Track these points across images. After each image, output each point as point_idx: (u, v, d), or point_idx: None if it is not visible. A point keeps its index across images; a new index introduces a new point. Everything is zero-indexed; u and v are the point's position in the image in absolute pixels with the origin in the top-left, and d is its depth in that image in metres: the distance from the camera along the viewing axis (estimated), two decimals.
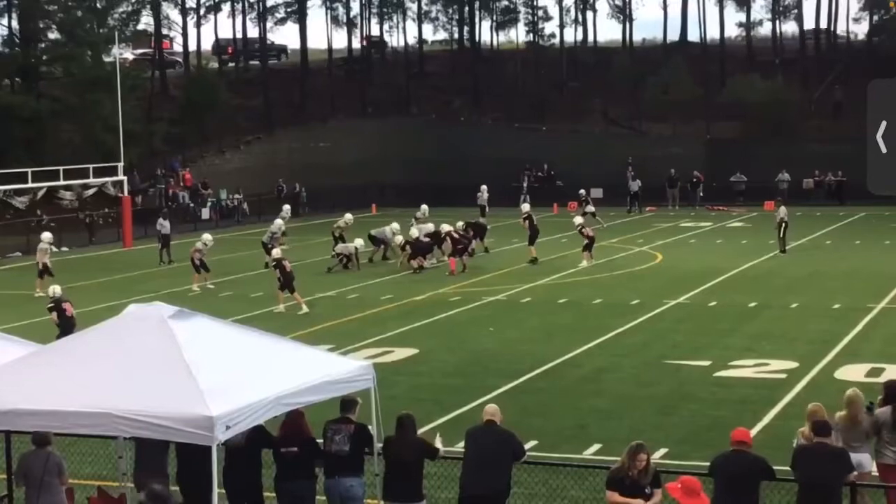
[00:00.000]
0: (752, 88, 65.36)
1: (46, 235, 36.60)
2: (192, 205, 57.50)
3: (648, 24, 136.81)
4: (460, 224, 38.30)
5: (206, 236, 36.12)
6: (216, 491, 10.17)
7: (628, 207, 57.83)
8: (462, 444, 12.56)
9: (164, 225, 41.55)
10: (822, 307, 28.36)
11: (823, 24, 75.87)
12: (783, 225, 38.87)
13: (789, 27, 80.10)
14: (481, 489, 11.79)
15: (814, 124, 64.85)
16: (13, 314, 29.59)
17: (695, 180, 60.18)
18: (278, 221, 39.69)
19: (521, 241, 39.40)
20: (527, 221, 38.39)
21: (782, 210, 39.57)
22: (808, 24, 76.51)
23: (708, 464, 11.66)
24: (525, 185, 62.21)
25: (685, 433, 17.33)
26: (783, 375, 20.93)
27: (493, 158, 63.65)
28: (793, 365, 21.66)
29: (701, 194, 60.01)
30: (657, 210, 57.90)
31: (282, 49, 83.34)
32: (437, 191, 54.12)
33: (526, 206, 41.84)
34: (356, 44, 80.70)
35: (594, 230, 38.99)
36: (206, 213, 57.04)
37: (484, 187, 53.12)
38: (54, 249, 36.94)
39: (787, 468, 11.65)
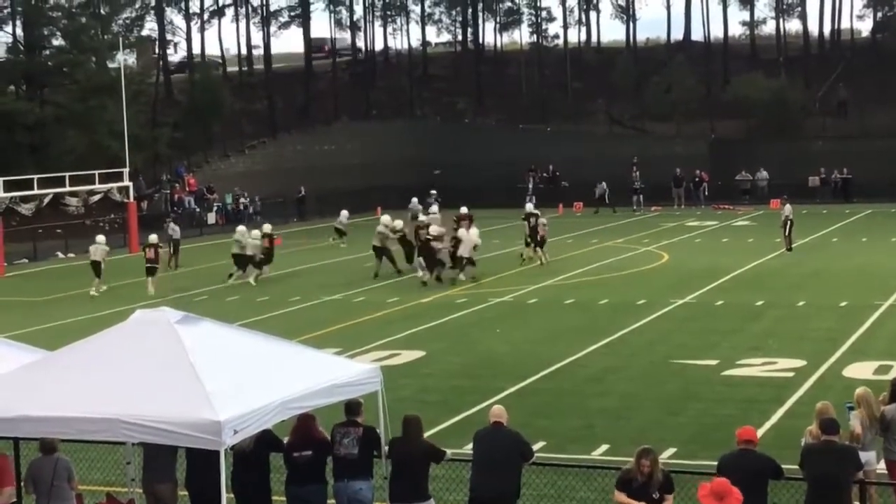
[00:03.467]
0: (756, 87, 65.34)
1: (101, 238, 37.94)
2: (197, 210, 57.55)
3: (652, 24, 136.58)
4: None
5: (241, 228, 37.36)
6: (225, 496, 10.18)
7: (633, 207, 57.85)
8: (470, 445, 12.54)
9: (175, 230, 41.66)
10: (829, 305, 28.32)
11: (827, 22, 75.96)
12: (788, 223, 38.84)
13: (793, 25, 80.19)
14: (491, 492, 11.76)
15: (818, 122, 64.81)
16: (21, 320, 29.62)
17: (697, 180, 60.19)
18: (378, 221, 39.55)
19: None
20: (527, 221, 37.67)
21: (787, 208, 39.55)
22: (812, 21, 76.59)
23: (715, 463, 11.63)
24: (530, 185, 62.24)
25: (693, 433, 17.31)
26: (791, 374, 20.90)
27: (498, 160, 63.74)
28: (800, 363, 21.62)
29: (706, 193, 60.01)
30: (662, 210, 57.87)
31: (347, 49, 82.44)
32: (440, 193, 54.12)
33: (529, 206, 40.97)
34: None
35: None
36: (212, 218, 57.07)
37: (415, 199, 49.67)
38: (105, 248, 37.87)
39: (796, 467, 11.62)
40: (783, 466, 11.48)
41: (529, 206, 40.88)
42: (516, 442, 12.03)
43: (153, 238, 35.66)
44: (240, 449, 11.79)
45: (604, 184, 58.97)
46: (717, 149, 63.95)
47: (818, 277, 33.48)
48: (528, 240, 37.64)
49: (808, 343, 23.65)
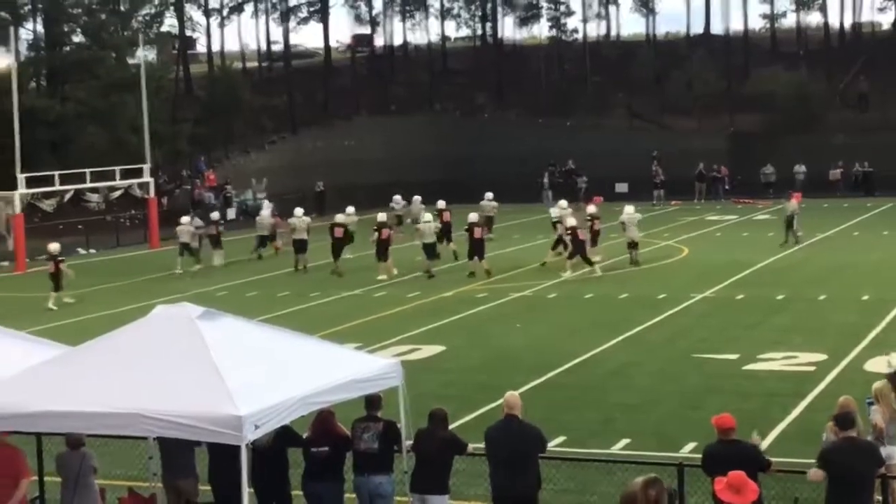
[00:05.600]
0: (777, 81, 65.11)
1: (186, 218, 39.79)
2: (217, 205, 57.59)
3: (671, 18, 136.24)
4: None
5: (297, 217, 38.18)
6: (246, 490, 10.21)
7: (653, 201, 57.69)
8: None
9: (200, 225, 41.83)
10: (850, 299, 28.21)
11: (848, 15, 75.64)
12: (792, 218, 38.80)
13: (813, 18, 79.77)
14: (513, 490, 11.66)
15: (839, 116, 64.51)
16: (42, 316, 29.78)
17: (718, 175, 59.92)
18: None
19: (547, 236, 39.12)
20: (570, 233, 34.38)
21: (792, 204, 39.41)
22: (833, 14, 76.37)
23: None
24: (546, 181, 61.98)
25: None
26: (812, 368, 20.84)
27: (517, 154, 63.64)
28: (821, 357, 21.55)
29: (726, 187, 59.79)
30: (682, 204, 57.71)
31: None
32: (460, 187, 54.11)
33: (554, 211, 38.70)
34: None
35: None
36: (232, 213, 57.18)
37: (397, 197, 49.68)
38: (192, 230, 39.23)
39: (814, 461, 11.53)
40: (805, 460, 11.40)
41: (555, 211, 38.77)
42: (531, 436, 11.86)
43: (53, 248, 33.09)
44: (259, 445, 11.82)
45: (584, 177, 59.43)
46: (738, 143, 63.74)
47: (839, 271, 33.34)
48: (558, 244, 36.25)
49: (829, 337, 23.56)
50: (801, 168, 59.91)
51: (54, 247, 33.15)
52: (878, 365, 20.50)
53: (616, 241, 38.12)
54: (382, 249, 35.11)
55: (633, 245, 35.62)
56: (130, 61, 60.34)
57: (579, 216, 36.28)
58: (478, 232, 34.62)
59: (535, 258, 37.33)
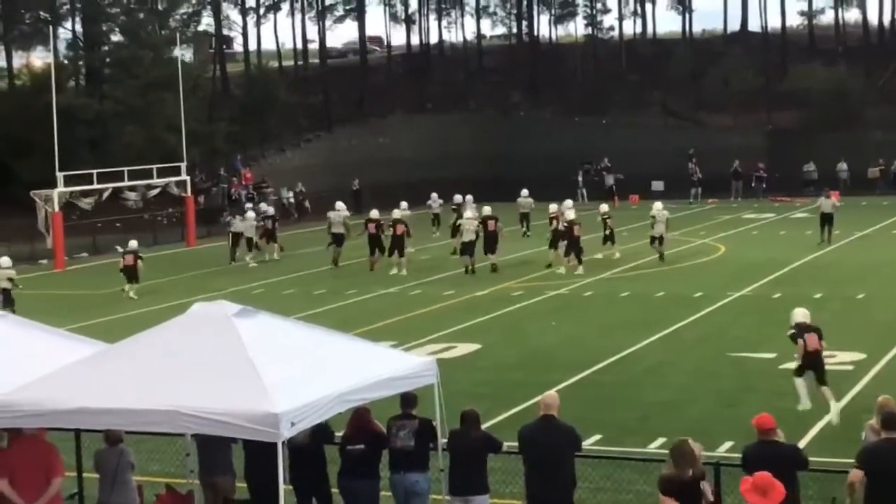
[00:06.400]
0: (815, 77, 64.68)
1: (251, 214, 41.19)
2: (256, 202, 57.79)
3: (708, 15, 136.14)
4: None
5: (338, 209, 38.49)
6: (283, 487, 10.25)
7: (690, 199, 57.38)
8: None
9: (236, 224, 41.99)
10: (889, 297, 28.00)
11: (887, 11, 75.00)
12: (831, 217, 38.58)
13: (852, 14, 79.24)
14: (549, 493, 11.58)
15: (877, 112, 63.96)
16: (81, 314, 30.00)
17: (762, 174, 59.23)
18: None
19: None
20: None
21: (826, 202, 39.17)
22: (872, 10, 75.63)
23: None
24: (581, 179, 61.73)
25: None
26: (850, 367, 20.69)
27: (552, 152, 63.52)
28: (860, 356, 21.41)
29: (764, 186, 59.32)
30: (719, 202, 57.40)
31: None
32: (495, 185, 54.09)
33: (553, 207, 37.73)
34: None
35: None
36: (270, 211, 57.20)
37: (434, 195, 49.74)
38: (254, 223, 40.53)
39: (852, 460, 11.43)
40: (844, 460, 11.31)
41: (553, 207, 37.56)
42: (566, 435, 11.74)
43: (133, 244, 34.61)
44: (296, 443, 11.85)
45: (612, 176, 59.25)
46: (775, 140, 63.31)
47: (877, 269, 33.08)
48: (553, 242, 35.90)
49: (868, 336, 23.40)
50: (843, 166, 59.36)
51: (133, 243, 34.78)
52: None
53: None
54: (395, 245, 35.90)
55: (660, 240, 35.87)
56: (168, 60, 60.66)
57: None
58: (491, 225, 35.26)
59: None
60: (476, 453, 12.08)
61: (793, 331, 17.66)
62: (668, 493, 10.29)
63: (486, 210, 36.66)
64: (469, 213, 37.40)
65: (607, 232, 36.63)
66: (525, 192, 44.90)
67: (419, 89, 74.85)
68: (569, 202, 38.25)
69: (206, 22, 73.66)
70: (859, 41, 73.56)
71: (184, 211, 49.70)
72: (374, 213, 37.95)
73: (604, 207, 38.05)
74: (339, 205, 39.41)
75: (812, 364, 17.40)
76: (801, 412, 17.12)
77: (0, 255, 30.72)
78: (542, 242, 39.10)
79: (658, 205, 36.70)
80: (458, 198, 45.14)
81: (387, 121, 69.34)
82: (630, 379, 20.74)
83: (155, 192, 49.23)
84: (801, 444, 13.48)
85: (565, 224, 34.73)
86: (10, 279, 29.80)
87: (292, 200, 58.77)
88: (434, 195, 48.86)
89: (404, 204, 41.21)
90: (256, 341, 10.73)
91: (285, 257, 41.03)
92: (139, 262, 33.68)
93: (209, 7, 72.06)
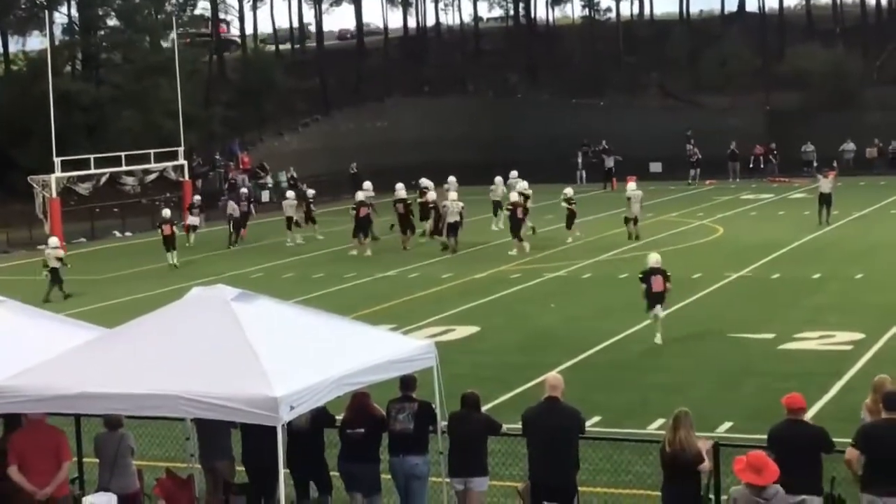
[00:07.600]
0: (813, 58, 64.53)
1: (291, 194, 42.19)
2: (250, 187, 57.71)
3: None
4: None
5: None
6: (282, 471, 10.26)
7: (688, 181, 57.28)
8: None
9: (234, 208, 42.00)
10: (887, 278, 28.00)
11: None
12: (829, 196, 38.57)
13: None
14: (555, 478, 11.54)
15: (875, 93, 63.86)
16: (79, 299, 30.01)
17: (772, 157, 59.00)
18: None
19: (580, 217, 38.96)
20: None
21: (825, 182, 39.14)
22: None
23: None
24: (580, 161, 61.59)
25: (749, 406, 17.19)
26: (849, 347, 20.73)
27: (550, 134, 63.43)
28: (858, 336, 21.43)
29: (762, 166, 59.04)
30: (717, 183, 57.33)
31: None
32: (493, 168, 53.86)
33: (514, 196, 37.13)
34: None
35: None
36: (265, 196, 57.30)
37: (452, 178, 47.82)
38: (294, 203, 40.93)
39: (849, 440, 11.43)
40: (843, 440, 11.31)
41: (569, 190, 38.74)
42: (570, 417, 11.71)
43: (166, 213, 37.28)
44: (296, 426, 11.85)
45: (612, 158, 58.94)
46: (774, 121, 63.19)
47: (876, 250, 33.08)
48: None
49: (866, 316, 23.40)
50: (849, 146, 59.25)
51: (167, 212, 37.48)
52: None
53: (650, 220, 37.96)
54: (360, 227, 36.43)
55: (634, 221, 36.51)
56: (164, 44, 60.51)
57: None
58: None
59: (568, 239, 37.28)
60: (476, 436, 12.08)
61: (641, 275, 22.11)
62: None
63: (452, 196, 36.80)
64: (453, 194, 37.50)
65: (567, 214, 37.32)
66: (514, 173, 43.27)
67: (416, 72, 74.71)
68: (524, 183, 38.78)
69: (202, 6, 73.50)
70: (857, 21, 73.37)
71: (181, 195, 49.65)
72: (402, 193, 37.98)
73: (568, 191, 38.25)
74: (367, 185, 39.85)
75: (657, 300, 21.74)
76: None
77: (49, 238, 32.71)
78: (539, 225, 39.17)
79: (632, 185, 37.15)
80: (425, 181, 43.67)
81: (384, 104, 69.24)
82: (629, 360, 20.77)
83: (152, 176, 49.21)
84: None
85: (509, 206, 35.67)
86: (59, 258, 31.10)
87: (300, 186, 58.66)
88: (423, 179, 48.03)
89: (368, 184, 40.57)
90: (255, 325, 10.73)
91: (283, 242, 40.99)
92: (174, 229, 35.64)
93: None
